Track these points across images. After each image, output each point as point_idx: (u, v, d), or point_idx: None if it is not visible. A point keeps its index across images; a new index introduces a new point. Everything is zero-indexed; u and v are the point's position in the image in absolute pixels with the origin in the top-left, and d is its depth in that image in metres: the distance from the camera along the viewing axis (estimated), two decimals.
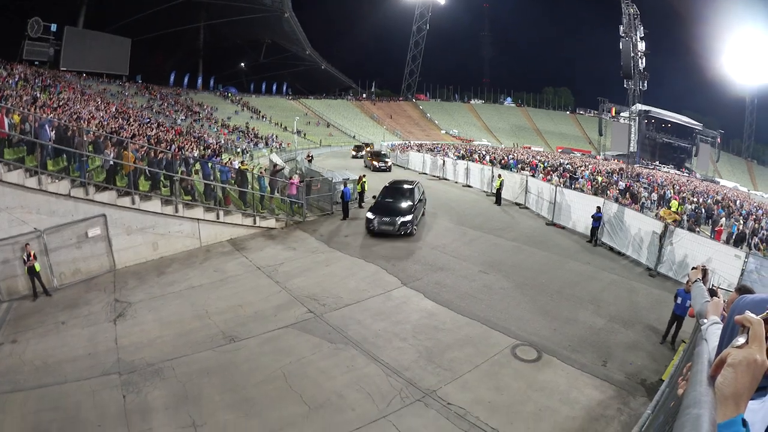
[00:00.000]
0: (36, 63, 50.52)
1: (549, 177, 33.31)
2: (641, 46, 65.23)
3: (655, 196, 33.32)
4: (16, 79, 32.58)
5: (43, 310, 12.80)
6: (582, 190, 27.81)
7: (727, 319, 1.95)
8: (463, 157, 40.88)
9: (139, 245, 16.13)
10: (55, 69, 52.61)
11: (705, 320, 2.66)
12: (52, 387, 9.22)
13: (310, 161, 39.42)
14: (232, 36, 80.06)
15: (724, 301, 3.17)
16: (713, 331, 2.11)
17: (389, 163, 41.49)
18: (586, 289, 13.90)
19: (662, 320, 11.42)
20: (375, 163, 40.84)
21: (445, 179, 34.14)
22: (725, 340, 1.72)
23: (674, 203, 28.18)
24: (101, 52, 59.48)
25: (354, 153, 54.95)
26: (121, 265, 15.69)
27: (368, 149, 52.71)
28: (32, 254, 13.31)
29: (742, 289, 3.26)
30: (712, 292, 4.08)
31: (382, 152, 45.95)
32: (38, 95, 26.69)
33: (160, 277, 14.87)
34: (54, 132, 15.59)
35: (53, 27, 53.50)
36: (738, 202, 35.44)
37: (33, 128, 15.15)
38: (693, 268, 4.04)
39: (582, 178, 36.09)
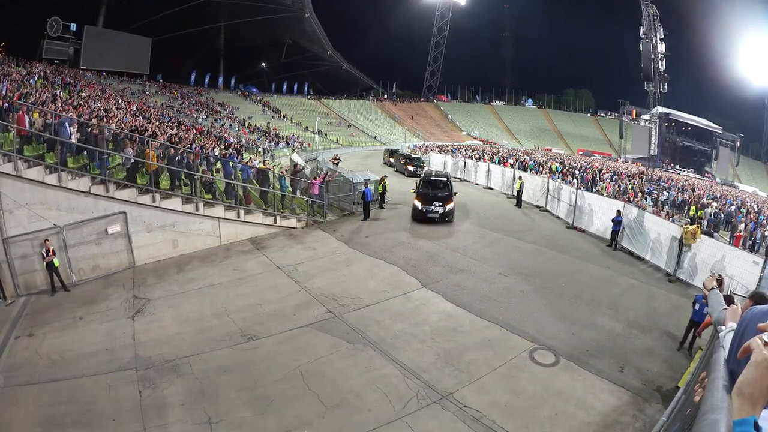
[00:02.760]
0: (55, 62, 51.07)
1: (562, 178, 32.77)
2: (661, 47, 64.67)
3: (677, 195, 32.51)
4: (36, 78, 32.90)
5: (60, 305, 12.98)
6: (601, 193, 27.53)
7: (737, 328, 1.92)
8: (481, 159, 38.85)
9: (159, 243, 16.27)
10: (75, 68, 53.16)
11: (723, 327, 2.63)
12: (67, 381, 9.35)
13: (336, 164, 32.40)
14: (252, 36, 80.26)
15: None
16: (731, 339, 2.09)
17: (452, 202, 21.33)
18: (605, 294, 13.76)
19: (680, 326, 11.28)
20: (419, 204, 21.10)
21: (466, 181, 33.91)
22: (735, 348, 1.70)
23: (693, 208, 27.78)
24: (121, 51, 60.07)
25: (407, 167, 37.50)
26: (140, 262, 15.84)
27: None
28: (51, 250, 13.47)
29: (756, 296, 3.21)
30: (729, 299, 4.03)
31: (435, 175, 23.98)
32: (58, 93, 26.90)
33: (179, 275, 14.99)
34: (75, 130, 15.69)
35: (73, 26, 54.35)
36: (756, 206, 34.74)
37: (53, 126, 15.29)
38: (709, 276, 4.01)
39: (602, 181, 35.45)
